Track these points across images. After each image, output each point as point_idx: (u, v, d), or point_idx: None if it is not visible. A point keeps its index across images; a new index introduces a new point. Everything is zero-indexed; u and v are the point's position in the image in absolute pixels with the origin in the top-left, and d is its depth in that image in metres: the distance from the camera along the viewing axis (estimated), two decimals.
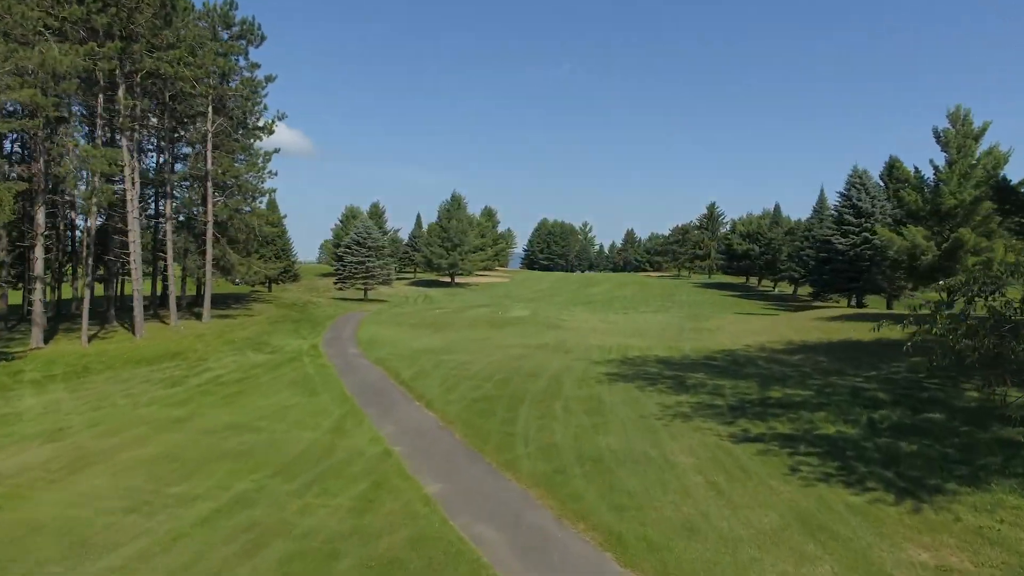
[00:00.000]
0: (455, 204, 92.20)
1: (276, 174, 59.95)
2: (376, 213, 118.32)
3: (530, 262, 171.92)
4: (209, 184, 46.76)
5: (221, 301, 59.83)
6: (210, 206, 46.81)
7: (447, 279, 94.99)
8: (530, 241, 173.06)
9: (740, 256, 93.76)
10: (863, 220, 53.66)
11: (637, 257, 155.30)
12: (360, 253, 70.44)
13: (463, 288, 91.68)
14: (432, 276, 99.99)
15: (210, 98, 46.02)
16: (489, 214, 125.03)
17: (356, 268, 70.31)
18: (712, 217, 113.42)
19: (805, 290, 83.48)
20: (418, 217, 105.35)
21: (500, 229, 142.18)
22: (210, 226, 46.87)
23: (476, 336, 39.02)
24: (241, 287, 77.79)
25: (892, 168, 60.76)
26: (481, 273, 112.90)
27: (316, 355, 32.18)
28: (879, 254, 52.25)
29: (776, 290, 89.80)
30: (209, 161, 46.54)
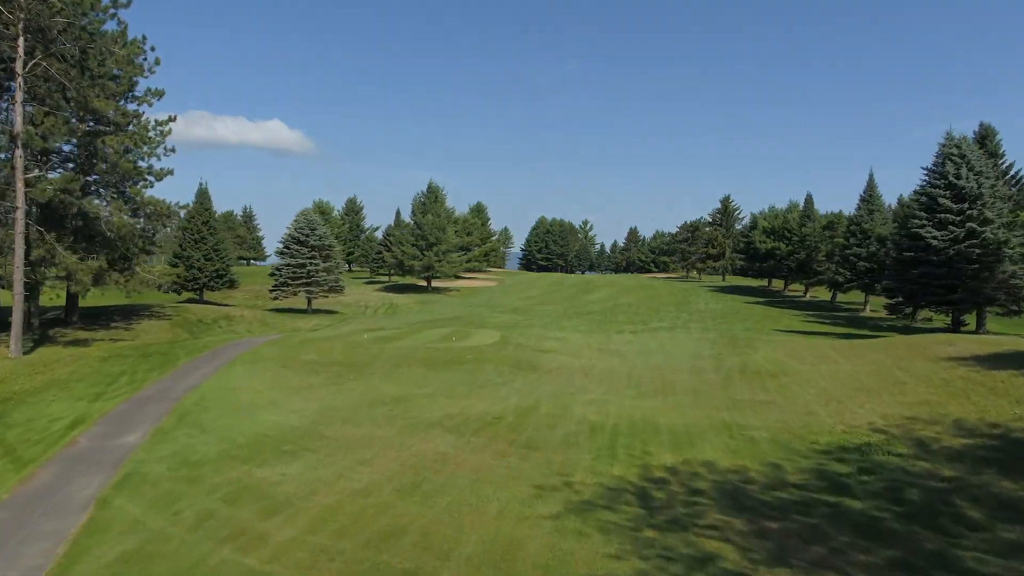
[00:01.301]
0: (431, 197, 75.45)
1: (174, 151, 43.75)
2: (353, 210, 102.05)
3: (527, 262, 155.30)
4: (19, 153, 30.17)
5: (103, 316, 43.35)
6: (20, 185, 30.18)
7: (424, 283, 78.27)
8: (527, 240, 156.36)
9: (763, 256, 76.69)
10: (966, 205, 36.58)
11: (641, 257, 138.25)
12: (301, 254, 53.79)
13: (440, 294, 74.98)
14: (410, 280, 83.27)
15: (20, 24, 29.52)
16: (479, 210, 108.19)
17: (295, 272, 53.64)
18: (727, 212, 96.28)
19: (852, 296, 66.38)
20: (397, 213, 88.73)
21: (495, 227, 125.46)
22: (20, 213, 30.23)
23: (388, 394, 22.26)
24: (166, 295, 61.37)
25: (984, 139, 43.67)
26: (468, 275, 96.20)
27: (25, 460, 15.51)
28: (992, 253, 35.27)
29: (808, 296, 72.70)
30: (19, 119, 29.98)
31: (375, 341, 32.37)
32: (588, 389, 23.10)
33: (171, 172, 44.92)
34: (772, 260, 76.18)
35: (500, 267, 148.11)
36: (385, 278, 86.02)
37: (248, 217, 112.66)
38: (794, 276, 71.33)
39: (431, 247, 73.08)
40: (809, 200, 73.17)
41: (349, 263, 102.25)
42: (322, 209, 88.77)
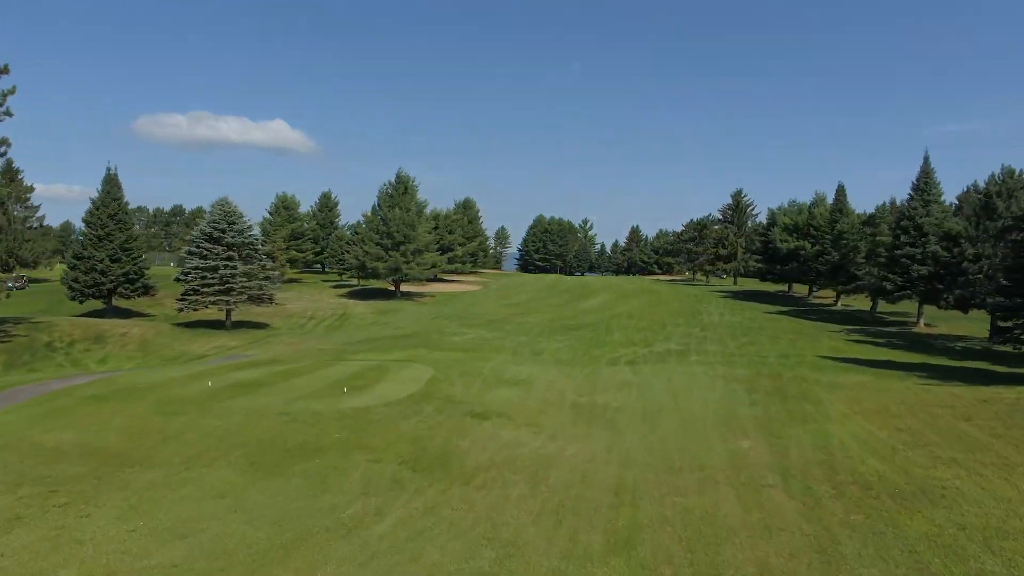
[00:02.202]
0: (400, 188, 62.64)
1: (9, 114, 31.48)
2: (327, 206, 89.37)
3: (525, 263, 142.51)
4: None
5: None
6: None
7: (394, 287, 65.33)
8: (524, 240, 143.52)
9: (785, 257, 63.60)
10: None
11: (643, 258, 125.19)
12: (214, 255, 41.04)
13: (409, 301, 62.14)
14: (382, 284, 70.34)
15: None
16: (466, 207, 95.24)
17: (206, 278, 40.88)
18: (739, 208, 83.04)
19: (897, 307, 53.10)
20: (374, 209, 75.90)
21: (489, 226, 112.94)
22: None
23: None
24: (72, 303, 48.92)
25: None
26: (450, 278, 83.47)
27: None
28: None
29: (839, 304, 59.47)
30: None
31: (218, 394, 19.52)
32: (520, 562, 10.14)
33: (7, 143, 32.56)
34: (795, 262, 63.06)
35: (496, 268, 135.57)
36: (355, 281, 73.23)
37: None
38: (825, 281, 58.03)
39: (398, 246, 60.27)
40: (841, 192, 59.90)
41: (323, 264, 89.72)
42: (286, 204, 76.08)
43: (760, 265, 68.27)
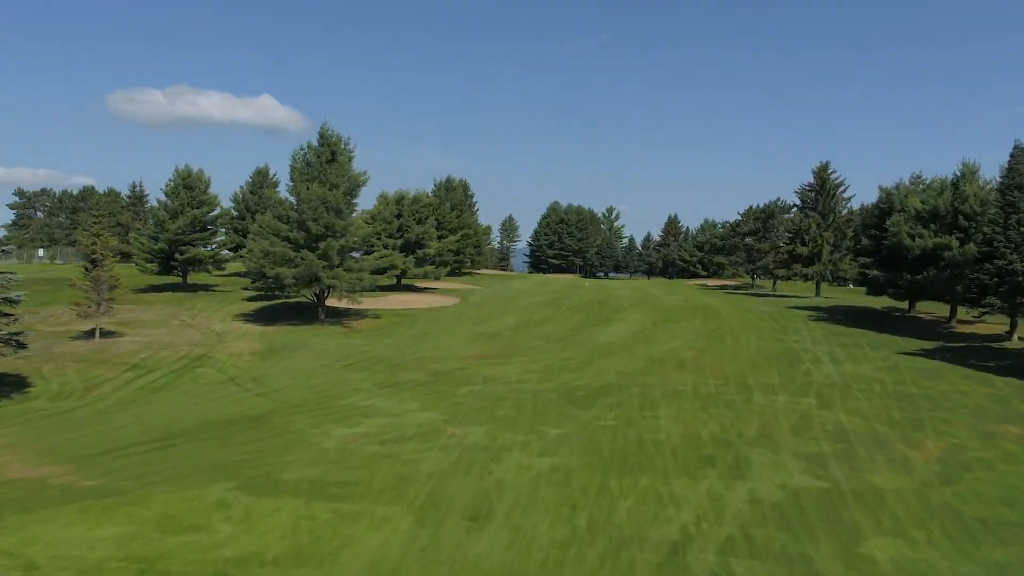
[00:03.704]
0: (324, 154, 42.86)
1: None
2: (262, 184, 69.70)
3: (536, 260, 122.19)
4: None
5: None
6: None
7: (317, 302, 45.51)
8: (536, 232, 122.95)
9: (919, 259, 42.78)
10: None
11: (684, 256, 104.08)
12: None
13: (335, 324, 42.34)
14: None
15: None
16: (450, 188, 75.00)
17: None
18: (825, 189, 61.76)
19: None
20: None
21: (491, 215, 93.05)
22: None
23: None
24: None
25: None
26: (422, 284, 63.67)
27: None
28: None
29: (1015, 338, 38.32)
30: None
31: None
32: None
33: None
34: (933, 268, 42.27)
35: (500, 268, 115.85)
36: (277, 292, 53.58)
37: (137, 198, 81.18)
38: (1002, 302, 36.82)
39: (316, 242, 40.62)
40: (1019, 155, 38.84)
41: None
42: (187, 182, 56.44)
43: (873, 271, 47.09)
